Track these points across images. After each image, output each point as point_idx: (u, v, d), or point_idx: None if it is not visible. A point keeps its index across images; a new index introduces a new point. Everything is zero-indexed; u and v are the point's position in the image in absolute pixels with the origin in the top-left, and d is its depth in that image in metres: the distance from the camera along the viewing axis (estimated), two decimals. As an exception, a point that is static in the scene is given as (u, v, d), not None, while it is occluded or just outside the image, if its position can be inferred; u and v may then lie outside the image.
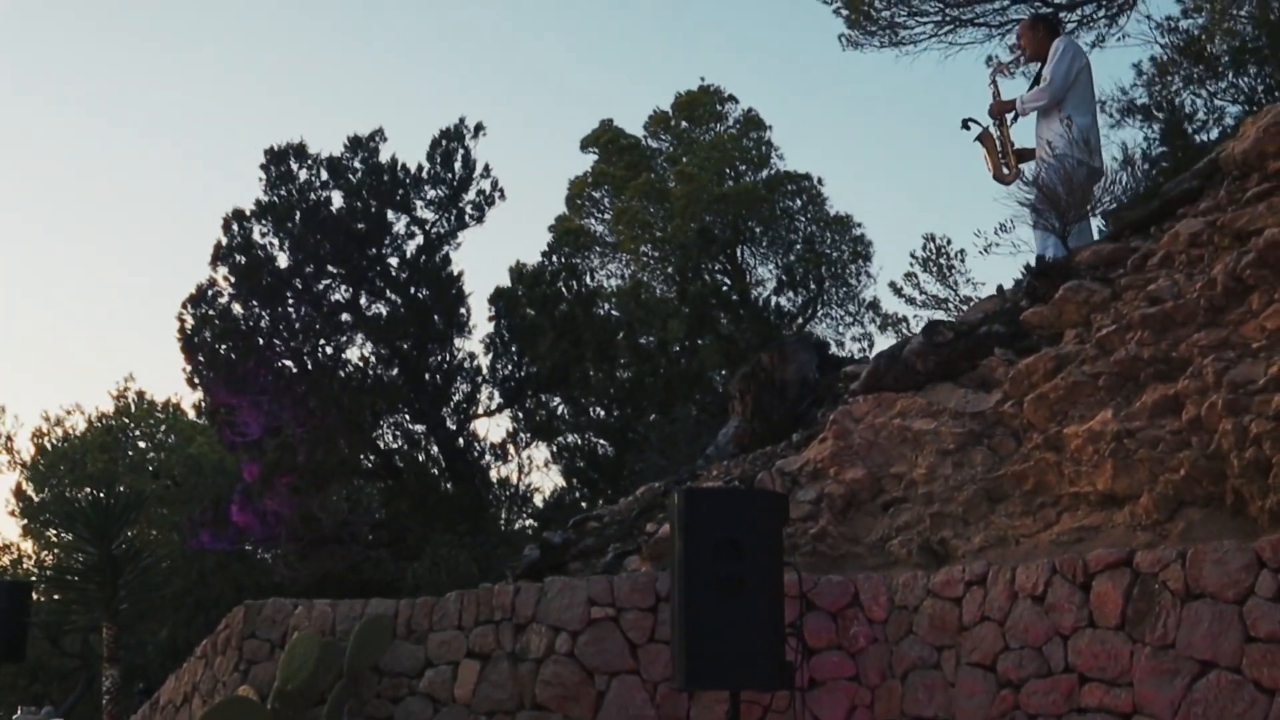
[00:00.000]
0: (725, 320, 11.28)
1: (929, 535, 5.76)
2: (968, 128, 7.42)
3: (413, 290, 10.63)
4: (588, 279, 12.12)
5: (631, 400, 11.53)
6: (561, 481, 11.08)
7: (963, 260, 18.18)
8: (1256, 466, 4.59)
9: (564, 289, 11.73)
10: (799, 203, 17.20)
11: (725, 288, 12.11)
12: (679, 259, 13.24)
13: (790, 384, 7.09)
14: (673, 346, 11.88)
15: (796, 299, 11.86)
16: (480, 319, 11.23)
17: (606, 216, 17.29)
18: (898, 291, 15.98)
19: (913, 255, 16.16)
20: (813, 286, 13.05)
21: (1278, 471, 4.52)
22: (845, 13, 16.39)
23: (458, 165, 11.06)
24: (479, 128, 11.18)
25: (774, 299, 11.99)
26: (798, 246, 16.62)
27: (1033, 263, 6.53)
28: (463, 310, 11.04)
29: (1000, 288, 6.52)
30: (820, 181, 17.21)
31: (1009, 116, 7.26)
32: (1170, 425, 4.92)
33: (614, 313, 12.76)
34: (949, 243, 17.33)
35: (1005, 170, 7.11)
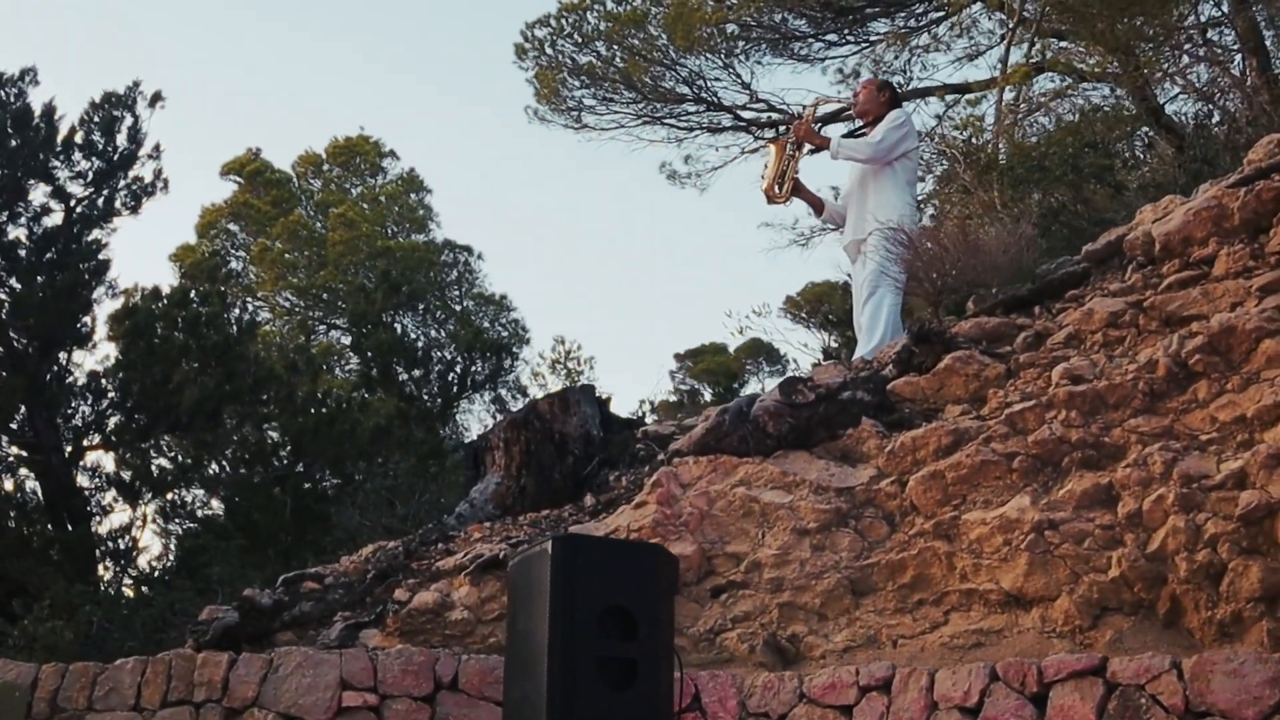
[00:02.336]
0: (410, 376, 9.89)
1: (777, 629, 4.77)
2: (775, 128, 7.12)
3: (40, 279, 8.29)
4: (235, 314, 10.22)
5: (273, 454, 9.74)
6: (189, 537, 8.99)
7: (591, 367, 17.78)
8: (1208, 572, 4.05)
9: (211, 319, 9.77)
10: (454, 274, 16.13)
11: (405, 341, 10.74)
12: (355, 305, 11.65)
13: (572, 438, 5.94)
14: (329, 400, 10.23)
15: (484, 367, 10.69)
16: (101, 333, 9.03)
17: (240, 253, 15.26)
18: (522, 391, 15.21)
19: (540, 356, 15.58)
20: (463, 359, 11.91)
21: (1234, 579, 4.01)
22: (536, 85, 15.86)
23: (121, 138, 8.94)
24: (157, 97, 9.14)
25: (460, 362, 10.73)
26: (450, 322, 15.49)
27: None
28: (87, 319, 8.82)
29: (840, 354, 5.82)
30: (480, 256, 16.30)
31: (808, 147, 6.86)
32: (1101, 519, 4.31)
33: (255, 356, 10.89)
34: (579, 347, 16.94)
35: (778, 189, 6.69)
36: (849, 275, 7.32)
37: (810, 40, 16.21)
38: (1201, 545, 4.06)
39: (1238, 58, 12.86)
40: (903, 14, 14.62)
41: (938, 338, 5.06)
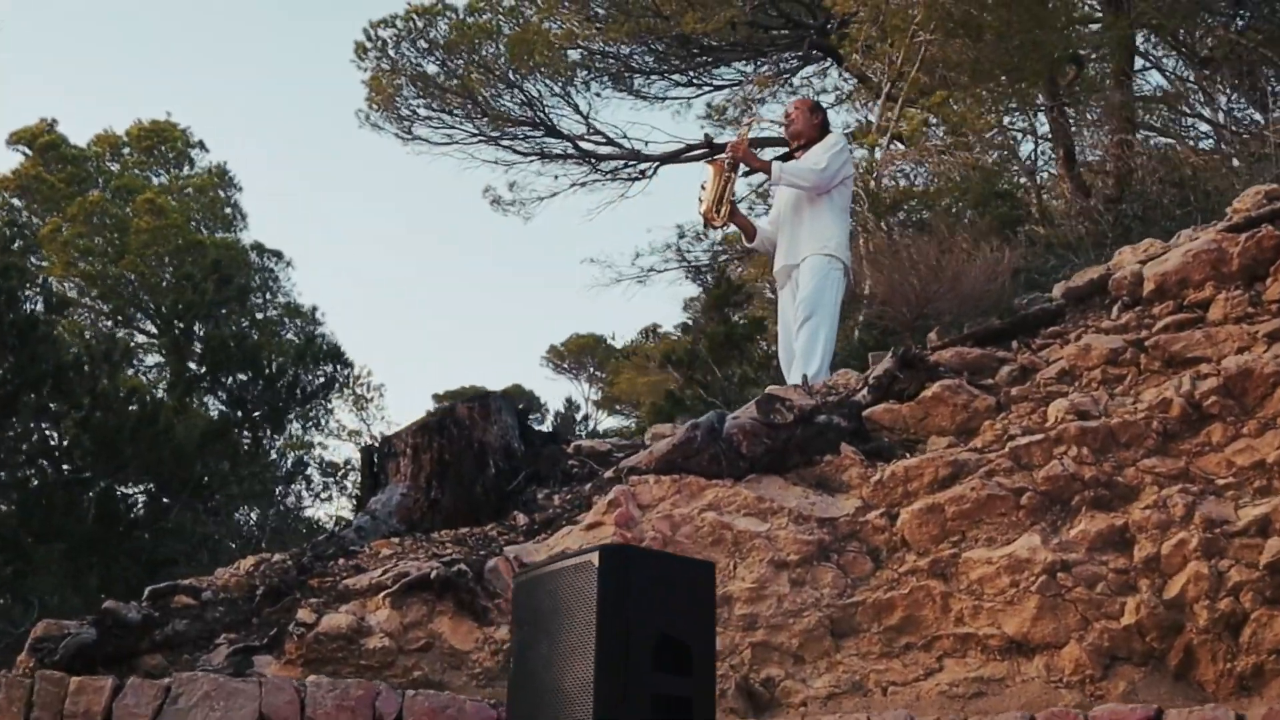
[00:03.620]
0: (236, 380, 8.84)
1: (749, 672, 4.29)
2: (711, 147, 6.76)
3: None
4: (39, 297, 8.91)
5: (68, 454, 8.54)
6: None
7: (381, 395, 16.93)
8: (1229, 622, 3.87)
9: (9, 295, 8.48)
10: (259, 279, 14.91)
11: (237, 340, 9.65)
12: (182, 296, 10.41)
13: (493, 449, 5.30)
14: (136, 399, 9.07)
15: (313, 378, 9.74)
16: None
17: (26, 232, 13.54)
18: (306, 414, 14.21)
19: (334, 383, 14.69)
20: (294, 367, 10.92)
21: (1257, 630, 3.83)
22: (371, 89, 15.03)
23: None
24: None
25: (291, 370, 9.74)
26: (254, 333, 14.28)
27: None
28: None
29: (804, 377, 5.45)
30: (290, 263, 15.17)
31: (743, 169, 6.52)
32: (1114, 562, 4.08)
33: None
34: (370, 373, 16.13)
35: (717, 213, 6.35)
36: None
37: (653, 77, 16.08)
38: (1224, 593, 3.88)
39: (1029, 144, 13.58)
40: (760, 60, 14.71)
41: (922, 364, 4.77)
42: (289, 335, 14.69)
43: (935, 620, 4.25)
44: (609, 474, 4.94)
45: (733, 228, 6.61)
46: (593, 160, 15.57)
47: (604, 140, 15.93)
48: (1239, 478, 4.08)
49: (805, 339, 5.94)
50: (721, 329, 11.30)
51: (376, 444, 5.53)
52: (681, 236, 16.09)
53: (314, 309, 14.64)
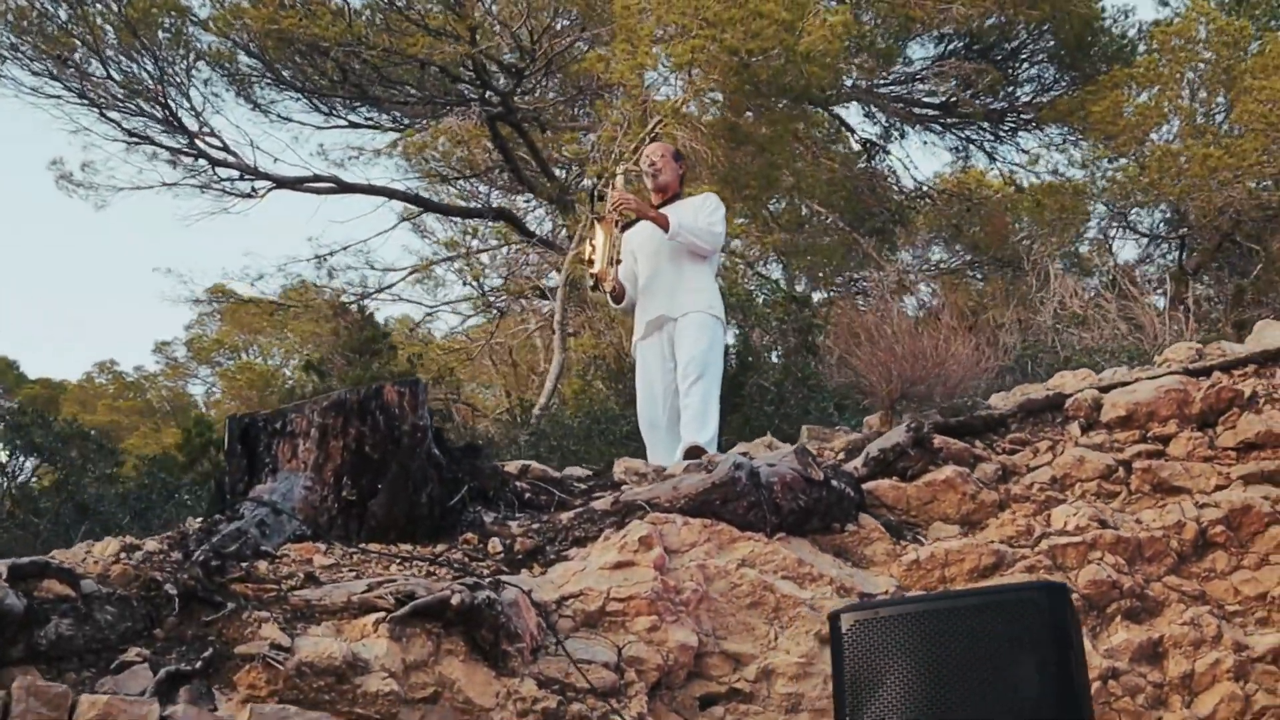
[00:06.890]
0: None
1: (795, 759, 3.71)
2: (600, 198, 6.22)
3: None
4: None
5: None
6: None
7: None
8: (1254, 746, 4.01)
9: None
10: None
11: None
12: None
13: (419, 450, 4.19)
14: None
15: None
16: None
17: None
18: None
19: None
20: None
21: (1276, 757, 4.01)
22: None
23: None
24: None
25: None
26: None
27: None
28: None
29: (768, 438, 4.96)
30: None
31: (625, 218, 6.03)
32: (1150, 675, 4.08)
33: None
34: None
35: (610, 271, 5.89)
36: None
37: (286, 91, 14.53)
38: (1249, 717, 4.03)
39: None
40: (410, 118, 13.86)
41: (929, 446, 4.55)
42: None
43: (976, 718, 3.96)
44: (604, 506, 4.13)
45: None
46: (206, 160, 13.64)
47: (220, 145, 14.09)
48: (1244, 606, 4.30)
49: (698, 401, 5.50)
50: (366, 375, 10.31)
51: (253, 414, 4.15)
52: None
53: None
